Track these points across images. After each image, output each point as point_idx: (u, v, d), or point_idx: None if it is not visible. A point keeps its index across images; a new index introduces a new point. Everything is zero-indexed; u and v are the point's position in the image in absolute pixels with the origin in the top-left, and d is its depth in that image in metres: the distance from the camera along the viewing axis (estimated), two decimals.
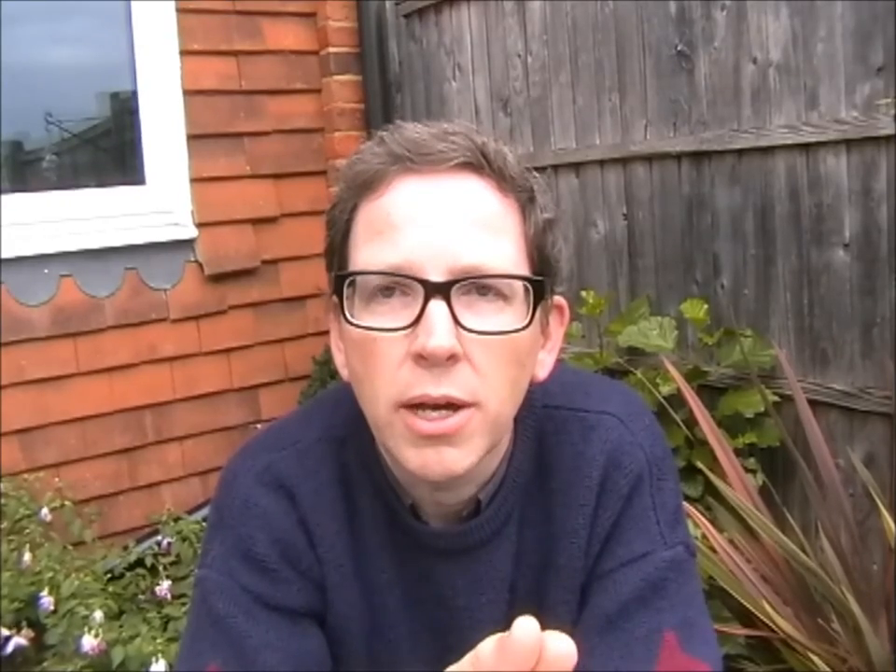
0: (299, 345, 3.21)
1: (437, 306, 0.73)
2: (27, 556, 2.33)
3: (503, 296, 0.76)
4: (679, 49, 2.33)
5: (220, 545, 0.87)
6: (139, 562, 2.65)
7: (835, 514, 1.86)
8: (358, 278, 0.77)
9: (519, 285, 0.77)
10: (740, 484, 1.91)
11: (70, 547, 2.50)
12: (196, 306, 3.05)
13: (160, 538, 2.71)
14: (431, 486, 0.83)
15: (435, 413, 0.74)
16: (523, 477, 0.88)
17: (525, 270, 0.78)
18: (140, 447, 2.96)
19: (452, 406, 0.74)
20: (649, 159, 2.45)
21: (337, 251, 0.81)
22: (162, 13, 3.00)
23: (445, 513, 0.88)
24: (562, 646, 0.38)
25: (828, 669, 1.62)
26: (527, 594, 0.89)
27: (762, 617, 1.71)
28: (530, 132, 2.82)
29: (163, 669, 2.11)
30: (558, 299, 0.85)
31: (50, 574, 2.27)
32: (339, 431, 0.90)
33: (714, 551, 1.84)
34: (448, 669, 0.42)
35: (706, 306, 2.26)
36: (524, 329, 0.76)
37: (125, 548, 2.74)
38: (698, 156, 2.32)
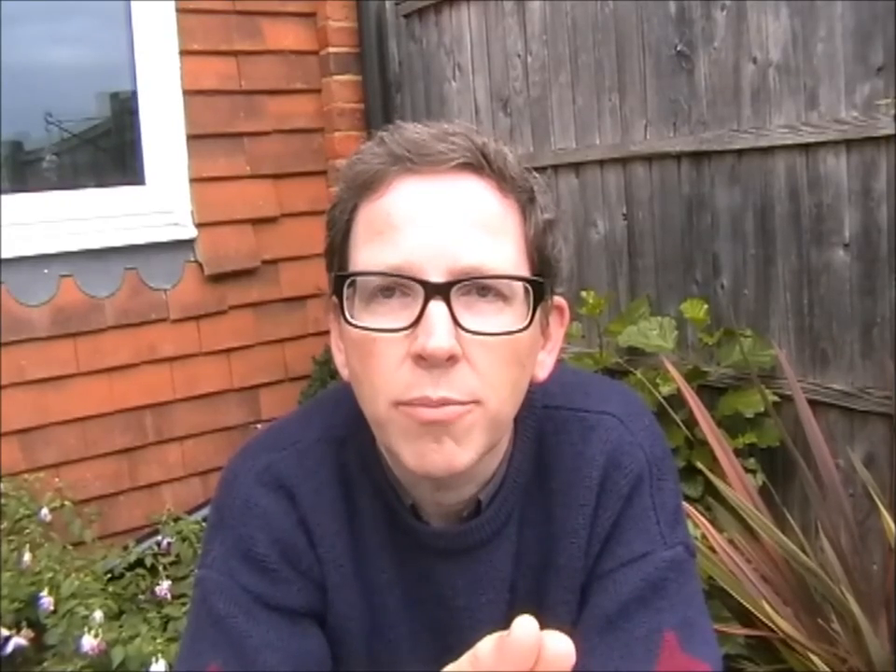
0: (299, 345, 3.21)
1: (436, 307, 0.73)
2: (27, 556, 2.33)
3: (503, 297, 0.76)
4: (678, 49, 2.33)
5: (220, 545, 0.87)
6: (139, 562, 2.65)
7: (835, 514, 1.86)
8: (358, 279, 0.77)
9: (519, 285, 0.77)
10: (740, 484, 1.91)
11: (70, 547, 2.50)
12: (196, 306, 3.05)
13: (160, 538, 2.71)
14: (432, 485, 0.83)
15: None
16: (523, 477, 0.88)
17: (524, 270, 0.78)
18: (140, 447, 2.96)
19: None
20: (649, 159, 2.45)
21: (337, 251, 0.81)
22: (162, 13, 3.00)
23: (446, 513, 0.88)
24: (561, 645, 0.39)
25: (828, 669, 1.62)
26: (527, 594, 0.89)
27: (761, 617, 1.71)
28: (530, 132, 2.82)
29: (163, 669, 2.11)
30: (558, 299, 0.85)
31: (50, 574, 2.27)
32: (339, 431, 0.90)
33: (714, 551, 1.84)
34: (446, 668, 0.42)
35: (706, 306, 2.26)
36: (523, 329, 0.76)
37: (125, 548, 2.74)
38: (698, 156, 2.32)
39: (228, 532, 0.87)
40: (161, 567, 2.52)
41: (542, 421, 0.89)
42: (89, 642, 2.12)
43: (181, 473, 3.03)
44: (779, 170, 2.13)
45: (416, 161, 0.76)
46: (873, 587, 1.79)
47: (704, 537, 1.85)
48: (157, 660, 2.12)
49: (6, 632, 2.22)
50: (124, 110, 3.11)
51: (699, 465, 2.03)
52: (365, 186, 0.78)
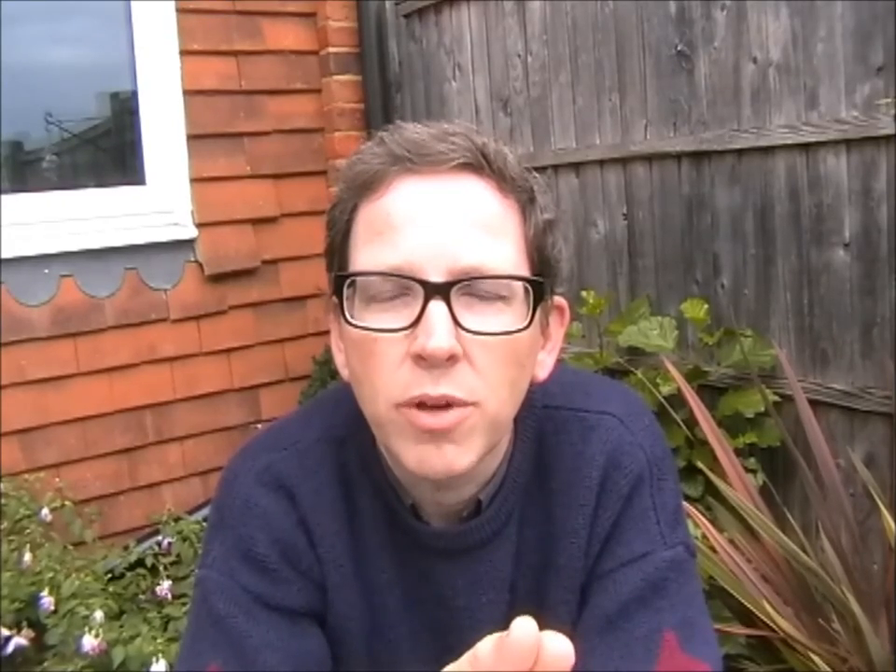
0: (299, 345, 3.21)
1: (436, 307, 0.73)
2: (27, 556, 2.33)
3: (503, 297, 0.76)
4: (678, 49, 2.33)
5: (221, 545, 0.87)
6: (139, 562, 2.65)
7: (836, 514, 1.86)
8: (358, 279, 0.77)
9: (519, 286, 0.77)
10: (740, 484, 1.91)
11: (70, 547, 2.50)
12: (196, 306, 3.05)
13: (160, 538, 2.71)
14: (432, 485, 0.83)
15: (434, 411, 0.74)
16: (523, 477, 0.88)
17: (524, 271, 0.78)
18: (140, 447, 2.96)
19: (451, 406, 0.74)
20: (649, 159, 2.45)
21: (337, 251, 0.81)
22: (162, 13, 3.00)
23: (446, 513, 0.88)
24: (560, 646, 0.39)
25: (828, 669, 1.62)
26: (527, 594, 0.89)
27: (762, 617, 1.71)
28: (530, 132, 2.82)
29: (164, 669, 2.11)
30: (558, 299, 0.85)
31: (51, 574, 2.27)
32: (339, 431, 0.90)
33: (714, 551, 1.84)
34: (446, 669, 0.42)
35: (706, 306, 2.26)
36: (523, 329, 0.76)
37: (125, 548, 2.74)
38: (698, 156, 2.32)
39: (228, 532, 0.87)
40: (161, 567, 2.52)
41: (542, 421, 0.89)
42: (89, 642, 2.12)
43: (181, 473, 3.03)
44: (779, 170, 2.13)
45: (416, 161, 0.76)
46: (873, 587, 1.79)
47: (704, 536, 1.85)
48: (157, 660, 2.12)
49: (6, 632, 2.22)
50: (124, 110, 3.11)
51: (699, 465, 2.03)
52: (365, 186, 0.78)
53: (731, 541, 1.87)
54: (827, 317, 2.07)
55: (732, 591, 1.76)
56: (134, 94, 3.03)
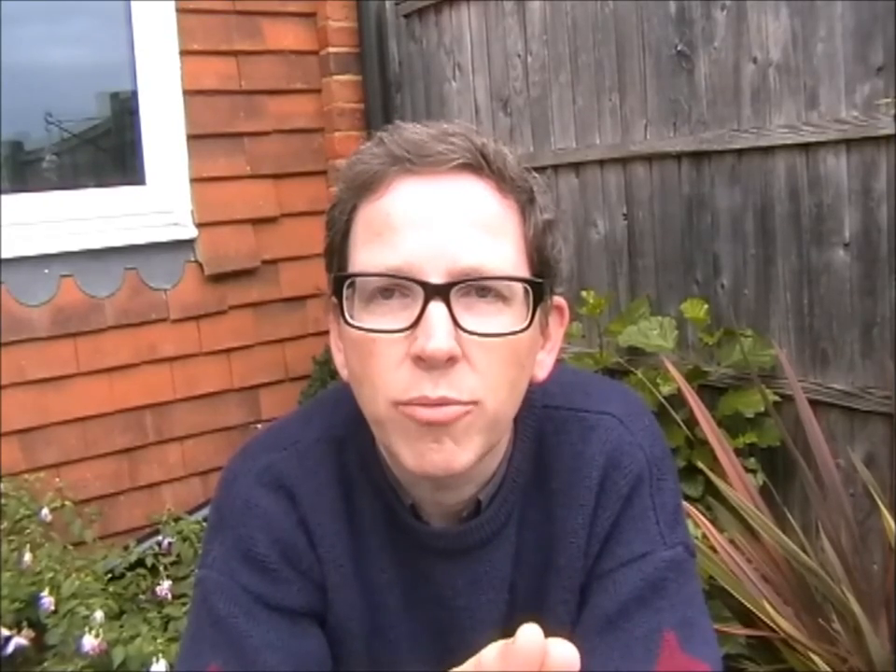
0: (299, 345, 3.21)
1: (436, 308, 0.73)
2: (27, 556, 2.33)
3: (503, 297, 0.76)
4: (678, 49, 2.33)
5: (221, 545, 0.87)
6: (140, 562, 2.65)
7: (836, 514, 1.86)
8: (358, 279, 0.77)
9: (518, 286, 0.77)
10: (740, 484, 1.91)
11: (70, 547, 2.50)
12: (196, 306, 3.05)
13: (160, 538, 2.71)
14: (432, 485, 0.83)
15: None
16: (522, 477, 0.88)
17: (524, 271, 0.78)
18: (140, 447, 2.96)
19: (449, 404, 0.74)
20: (649, 159, 2.45)
21: (336, 252, 0.81)
22: (162, 13, 3.00)
23: (445, 514, 0.88)
24: (565, 652, 0.39)
25: (828, 669, 1.62)
26: (527, 594, 0.89)
27: (762, 617, 1.70)
28: (530, 132, 2.82)
29: (164, 669, 2.11)
30: (558, 299, 0.85)
31: (51, 574, 2.27)
32: (339, 431, 0.90)
33: (714, 551, 1.84)
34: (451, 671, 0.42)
35: (706, 306, 2.26)
36: (523, 330, 0.76)
37: (126, 548, 2.74)
38: (698, 156, 2.32)
39: (228, 532, 0.87)
40: (161, 567, 2.52)
41: (542, 421, 0.89)
42: (89, 642, 2.12)
43: (181, 473, 3.03)
44: (779, 170, 2.13)
45: (416, 161, 0.76)
46: (873, 587, 1.79)
47: (704, 536, 1.85)
48: (157, 660, 2.12)
49: (6, 632, 2.22)
50: (124, 110, 3.11)
51: (699, 465, 2.03)
52: (364, 186, 0.78)
53: (731, 541, 1.87)
54: (827, 317, 2.07)
55: (732, 591, 1.76)
56: (134, 94, 3.03)
